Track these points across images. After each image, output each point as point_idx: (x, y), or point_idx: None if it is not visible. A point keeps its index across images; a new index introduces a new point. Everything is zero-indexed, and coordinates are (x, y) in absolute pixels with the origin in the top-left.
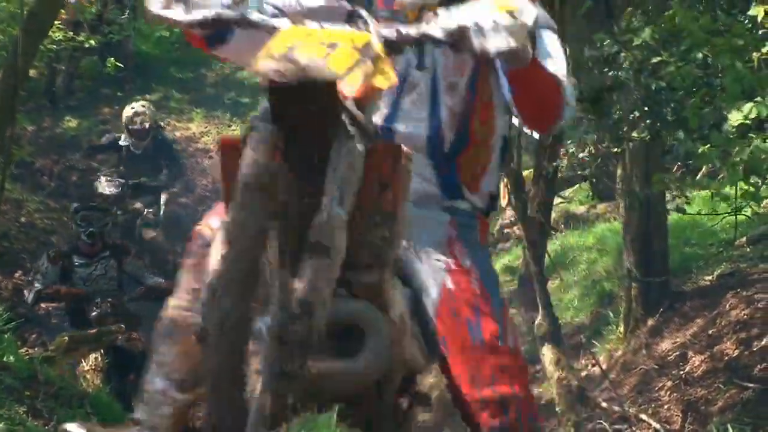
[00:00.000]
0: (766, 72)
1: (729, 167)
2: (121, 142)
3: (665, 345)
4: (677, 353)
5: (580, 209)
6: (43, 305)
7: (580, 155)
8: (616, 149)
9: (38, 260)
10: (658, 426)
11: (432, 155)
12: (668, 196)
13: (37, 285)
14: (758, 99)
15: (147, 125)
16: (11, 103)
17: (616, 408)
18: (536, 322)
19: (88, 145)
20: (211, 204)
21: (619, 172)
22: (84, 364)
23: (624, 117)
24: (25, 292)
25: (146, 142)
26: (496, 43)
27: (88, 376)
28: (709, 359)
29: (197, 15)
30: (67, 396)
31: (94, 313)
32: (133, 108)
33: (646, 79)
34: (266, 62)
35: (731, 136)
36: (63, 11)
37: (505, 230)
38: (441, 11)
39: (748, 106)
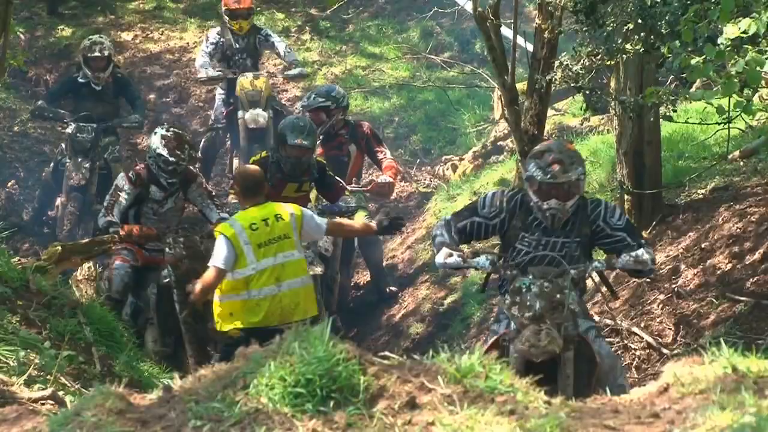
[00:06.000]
0: None
1: (724, 79)
2: (80, 79)
3: (658, 258)
4: (670, 267)
5: (574, 122)
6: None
7: (574, 68)
8: (609, 61)
9: (117, 179)
10: (650, 339)
11: None
12: (662, 109)
13: (113, 216)
14: (755, 15)
15: (106, 53)
16: (4, 12)
17: (609, 321)
18: None
19: (34, 107)
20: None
21: (612, 84)
22: (77, 273)
23: (618, 29)
24: (102, 213)
25: (106, 74)
26: None
27: (81, 286)
28: (701, 273)
29: None
30: (59, 305)
31: (168, 255)
32: (90, 39)
33: None
34: None
35: (725, 49)
36: None
37: (499, 143)
38: None
39: (746, 21)
